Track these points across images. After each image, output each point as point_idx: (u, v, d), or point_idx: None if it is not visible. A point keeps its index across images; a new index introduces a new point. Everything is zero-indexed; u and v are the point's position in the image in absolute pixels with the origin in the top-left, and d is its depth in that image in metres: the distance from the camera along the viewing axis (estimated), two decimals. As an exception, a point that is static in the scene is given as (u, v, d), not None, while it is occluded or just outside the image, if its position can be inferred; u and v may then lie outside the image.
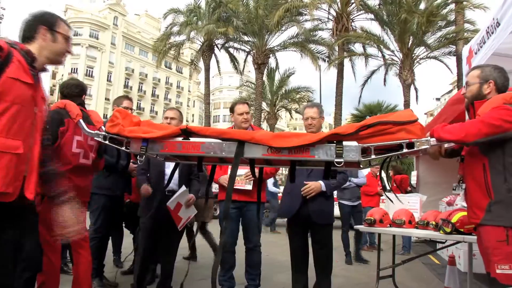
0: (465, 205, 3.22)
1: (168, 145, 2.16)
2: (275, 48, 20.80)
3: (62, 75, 45.16)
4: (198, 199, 3.53)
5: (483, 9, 14.54)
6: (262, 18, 18.88)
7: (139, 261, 3.25)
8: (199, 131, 2.16)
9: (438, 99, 60.99)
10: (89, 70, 47.00)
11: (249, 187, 3.43)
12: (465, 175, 2.24)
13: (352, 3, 18.12)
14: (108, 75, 48.76)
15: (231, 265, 3.53)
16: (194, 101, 60.87)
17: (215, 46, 21.98)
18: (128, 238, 4.51)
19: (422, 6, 16.43)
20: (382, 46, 17.34)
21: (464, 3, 15.14)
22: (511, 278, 1.90)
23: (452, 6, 15.91)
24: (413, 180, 7.90)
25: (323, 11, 19.08)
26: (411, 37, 16.29)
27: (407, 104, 16.76)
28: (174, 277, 3.32)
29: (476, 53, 4.13)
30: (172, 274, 3.30)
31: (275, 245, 6.71)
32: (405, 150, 1.93)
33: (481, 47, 3.95)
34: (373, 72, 18.83)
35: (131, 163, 3.53)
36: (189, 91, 60.49)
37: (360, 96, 19.89)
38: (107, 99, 44.84)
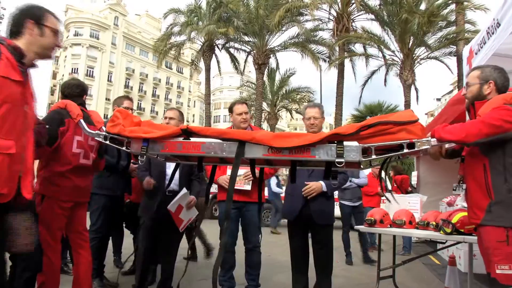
0: (466, 205, 3.22)
1: (168, 145, 2.16)
2: (276, 48, 20.82)
3: (63, 75, 45.24)
4: (199, 199, 3.53)
5: (484, 10, 14.54)
6: (263, 18, 18.89)
7: (140, 262, 3.25)
8: (200, 131, 2.16)
9: (438, 99, 60.99)
10: (90, 70, 47.04)
11: (248, 187, 3.43)
12: (465, 176, 2.24)
13: (353, 4, 18.11)
14: (108, 75, 48.80)
15: (231, 265, 3.53)
16: (194, 101, 60.89)
17: (216, 47, 21.99)
18: (128, 238, 4.51)
19: (422, 6, 16.44)
20: (382, 47, 17.33)
21: (465, 3, 15.14)
22: (511, 278, 1.90)
23: (453, 6, 15.91)
24: (414, 181, 7.90)
25: (324, 11, 19.12)
26: (411, 37, 16.29)
27: (407, 105, 16.75)
28: (174, 277, 3.31)
29: (476, 54, 4.14)
30: (172, 275, 3.30)
31: (276, 245, 6.71)
32: (405, 150, 1.93)
33: (481, 47, 3.95)
34: (373, 73, 18.84)
35: (131, 164, 3.53)
36: (189, 91, 60.51)
37: (361, 96, 19.99)
38: (107, 99, 44.86)
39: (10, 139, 1.66)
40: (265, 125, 26.00)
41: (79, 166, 2.71)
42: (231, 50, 22.50)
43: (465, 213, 2.93)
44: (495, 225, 1.96)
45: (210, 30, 19.47)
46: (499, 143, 1.97)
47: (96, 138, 2.43)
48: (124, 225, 4.48)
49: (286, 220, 3.39)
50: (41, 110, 40.38)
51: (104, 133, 2.32)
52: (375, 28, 49.93)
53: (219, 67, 23.76)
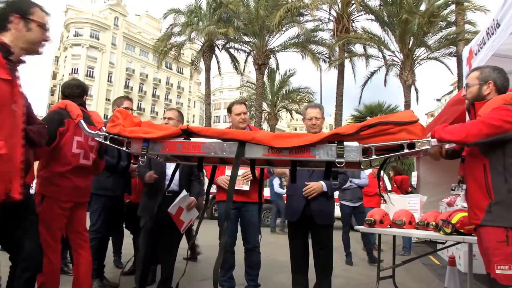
0: (465, 205, 3.22)
1: (168, 145, 2.16)
2: (276, 48, 20.82)
3: (63, 76, 45.27)
4: (199, 199, 3.53)
5: (484, 11, 14.54)
6: (263, 19, 18.90)
7: (140, 262, 3.25)
8: (200, 132, 2.17)
9: (438, 99, 60.99)
10: (90, 71, 47.03)
11: (246, 187, 3.43)
12: (465, 176, 2.24)
13: (353, 4, 18.11)
14: (108, 76, 48.80)
15: (230, 265, 3.53)
16: (194, 101, 60.89)
17: (216, 47, 21.99)
18: (128, 239, 4.51)
19: (423, 7, 16.44)
20: (382, 47, 17.33)
21: (465, 4, 15.15)
22: (511, 278, 1.90)
23: (453, 7, 15.92)
24: (414, 181, 7.90)
25: (324, 11, 19.12)
26: (411, 38, 16.29)
27: (407, 105, 16.76)
28: (174, 277, 3.32)
29: (476, 54, 4.14)
30: (172, 275, 3.30)
31: (276, 246, 6.70)
32: (406, 151, 1.93)
33: (481, 48, 3.95)
34: (373, 73, 18.84)
35: (131, 164, 3.53)
36: (189, 91, 60.52)
37: (361, 96, 19.92)
38: (107, 99, 44.85)
39: (0, 139, 1.63)
40: (265, 126, 26.00)
41: (79, 166, 2.71)
42: (231, 50, 22.52)
43: (465, 214, 2.94)
44: (495, 225, 1.97)
45: (210, 30, 19.48)
46: (499, 143, 1.97)
47: (96, 139, 2.43)
48: (124, 225, 4.48)
49: (285, 220, 3.40)
50: (41, 111, 40.48)
51: (104, 133, 2.32)
52: (375, 28, 50.03)
53: (219, 67, 23.77)
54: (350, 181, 5.90)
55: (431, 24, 15.59)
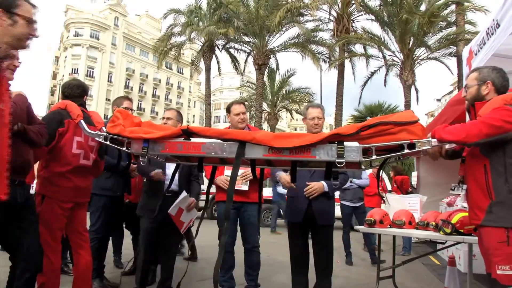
0: (465, 205, 3.22)
1: (169, 145, 2.16)
2: (276, 49, 20.83)
3: (63, 76, 45.29)
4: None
5: (484, 11, 14.54)
6: (263, 19, 18.90)
7: (140, 262, 3.25)
8: (200, 132, 2.17)
9: (438, 99, 60.96)
10: (90, 71, 47.03)
11: (245, 187, 3.43)
12: (466, 176, 2.25)
13: (353, 4, 18.12)
14: (108, 76, 48.79)
15: (230, 265, 3.53)
16: (195, 101, 60.89)
17: (216, 47, 21.99)
18: (128, 239, 4.51)
19: (423, 7, 16.45)
20: (382, 47, 17.34)
21: (466, 4, 15.15)
22: (511, 279, 1.90)
23: (453, 7, 15.92)
24: (414, 181, 7.89)
25: (324, 11, 19.13)
26: (411, 38, 16.29)
27: (407, 105, 16.76)
28: (174, 277, 3.32)
29: (476, 54, 4.14)
30: (172, 275, 3.30)
31: (276, 246, 6.70)
32: (406, 151, 1.94)
33: (481, 48, 3.95)
34: (373, 73, 18.83)
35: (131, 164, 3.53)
36: (189, 91, 60.51)
37: (360, 96, 19.90)
38: (107, 99, 44.84)
39: None
40: (265, 126, 26.00)
41: (79, 166, 2.71)
42: (231, 50, 22.51)
43: (465, 214, 2.94)
44: (496, 225, 1.97)
45: (210, 30, 19.48)
46: (499, 143, 1.98)
47: (96, 139, 2.43)
48: (124, 225, 4.49)
49: (284, 220, 3.40)
50: (41, 111, 40.47)
51: (104, 133, 2.32)
52: (375, 28, 50.00)
53: (219, 67, 23.76)
54: (351, 181, 5.89)
55: (431, 24, 15.60)
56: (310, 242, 3.18)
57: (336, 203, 3.41)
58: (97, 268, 3.53)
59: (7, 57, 1.78)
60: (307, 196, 3.02)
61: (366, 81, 19.00)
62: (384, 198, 3.25)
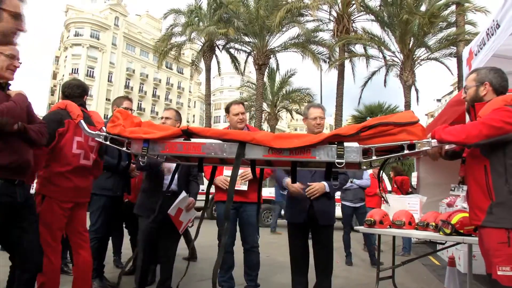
0: (465, 206, 3.22)
1: (169, 145, 2.16)
2: (276, 49, 20.83)
3: (63, 76, 45.29)
4: None
5: (484, 12, 14.55)
6: (263, 19, 18.90)
7: (140, 263, 3.25)
8: (200, 132, 2.17)
9: (439, 100, 60.95)
10: (90, 71, 47.03)
11: (244, 187, 3.43)
12: (466, 177, 2.25)
13: (353, 4, 18.12)
14: (109, 76, 48.80)
15: (230, 266, 3.53)
16: (195, 101, 60.89)
17: (216, 47, 21.99)
18: (128, 239, 4.51)
19: (423, 7, 16.45)
20: (383, 47, 17.34)
21: (466, 5, 15.15)
22: (512, 279, 1.91)
23: (453, 7, 15.92)
24: (414, 181, 7.89)
25: (324, 12, 19.13)
26: (412, 38, 16.29)
27: (408, 105, 16.76)
28: (174, 277, 3.32)
29: (476, 55, 4.14)
30: (171, 275, 3.30)
31: (276, 246, 6.71)
32: (406, 152, 1.94)
33: (481, 48, 3.95)
34: (374, 73, 18.83)
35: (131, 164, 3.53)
36: (190, 91, 60.52)
37: (360, 97, 19.90)
38: (108, 99, 44.84)
39: None
40: (265, 126, 26.01)
41: (79, 166, 2.71)
42: (232, 50, 22.51)
43: (465, 214, 2.94)
44: (496, 226, 1.97)
45: (210, 30, 19.48)
46: (499, 144, 1.98)
47: (96, 139, 2.43)
48: (124, 225, 4.49)
49: (284, 220, 3.39)
50: (41, 110, 40.49)
51: (104, 133, 2.32)
52: (376, 28, 50.05)
53: (219, 67, 23.76)
54: (351, 182, 5.89)
55: (431, 25, 15.61)
56: (310, 242, 3.18)
57: (337, 203, 3.40)
58: (97, 268, 3.53)
59: None
60: (308, 196, 3.02)
61: (366, 82, 19.02)
62: (383, 199, 3.25)
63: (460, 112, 4.23)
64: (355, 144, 1.96)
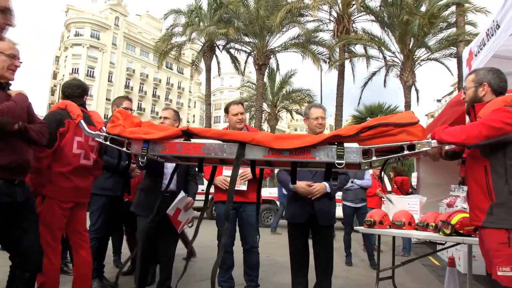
0: (465, 206, 3.22)
1: (169, 146, 2.17)
2: (276, 49, 20.84)
3: (63, 75, 45.30)
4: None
5: (485, 13, 14.55)
6: (263, 19, 18.91)
7: (139, 263, 3.25)
8: (200, 133, 2.17)
9: (439, 100, 60.97)
10: (90, 71, 47.04)
11: (244, 187, 3.42)
12: (466, 177, 2.25)
13: (353, 5, 18.13)
14: (109, 76, 48.81)
15: (229, 266, 3.53)
16: (195, 101, 60.89)
17: (216, 47, 22.00)
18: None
19: (423, 8, 16.46)
20: (383, 48, 17.35)
21: (466, 5, 15.15)
22: (512, 280, 1.91)
23: (453, 8, 15.92)
24: (414, 182, 7.90)
25: (324, 12, 19.14)
26: (412, 38, 16.30)
27: (408, 106, 16.77)
28: (173, 277, 3.32)
29: (476, 55, 4.14)
30: (171, 275, 3.30)
31: (275, 246, 6.71)
32: (406, 152, 1.94)
33: (481, 49, 3.95)
34: (374, 74, 18.84)
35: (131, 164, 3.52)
36: (190, 91, 60.52)
37: (360, 97, 19.91)
38: (108, 99, 44.84)
39: None
40: (265, 126, 26.01)
41: (79, 166, 2.71)
42: (232, 50, 22.51)
43: (464, 215, 2.94)
44: (497, 227, 1.97)
45: (210, 31, 19.49)
46: (499, 145, 1.98)
47: (96, 139, 2.43)
48: (124, 226, 4.48)
49: (284, 220, 3.38)
50: (41, 110, 40.49)
51: (104, 134, 2.33)
52: (376, 29, 50.05)
53: (219, 68, 23.76)
54: (352, 182, 5.87)
55: (431, 25, 15.61)
56: (310, 242, 3.18)
57: (338, 203, 3.39)
58: (97, 268, 3.53)
59: None
60: (309, 196, 3.02)
61: (367, 82, 19.03)
62: (384, 199, 3.25)
63: (460, 113, 4.23)
64: (355, 145, 1.96)
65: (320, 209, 3.03)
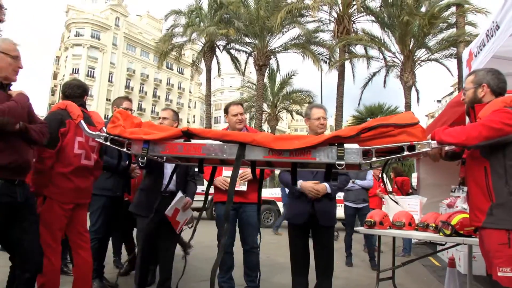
0: (465, 207, 3.22)
1: (169, 146, 2.17)
2: (276, 49, 20.85)
3: (64, 76, 45.34)
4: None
5: (485, 13, 14.56)
6: (263, 20, 18.93)
7: (139, 263, 3.25)
8: (200, 133, 2.17)
9: (439, 101, 60.96)
10: (91, 71, 47.07)
11: (243, 188, 3.42)
12: (466, 178, 2.25)
13: (354, 5, 18.14)
14: (109, 76, 48.84)
15: (229, 266, 3.53)
16: (195, 102, 60.90)
17: (217, 48, 22.02)
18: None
19: (423, 8, 16.46)
20: (383, 48, 17.36)
21: (466, 6, 15.16)
22: (512, 281, 1.91)
23: (454, 9, 15.93)
24: (414, 182, 7.90)
25: (324, 12, 19.16)
26: (412, 39, 16.32)
27: (408, 106, 16.78)
28: (173, 278, 3.32)
29: (476, 56, 4.14)
30: (171, 275, 3.30)
31: (276, 247, 6.71)
32: (406, 153, 1.94)
33: (481, 50, 3.95)
34: (374, 74, 18.87)
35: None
36: (190, 92, 60.53)
37: (361, 98, 19.96)
38: (108, 99, 44.87)
39: None
40: (265, 127, 26.02)
41: (80, 167, 2.71)
42: (232, 51, 22.54)
43: (465, 215, 2.94)
44: (497, 227, 1.97)
45: (211, 31, 19.51)
46: (499, 146, 1.98)
47: (96, 139, 2.43)
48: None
49: (285, 221, 3.38)
50: (41, 110, 40.49)
51: (104, 134, 2.33)
52: (376, 29, 50.07)
53: (219, 68, 23.79)
54: (353, 182, 5.86)
55: (431, 26, 15.63)
56: (310, 243, 3.18)
57: (340, 204, 3.38)
58: (97, 268, 3.53)
59: None
60: (310, 197, 3.02)
61: (367, 82, 19.06)
62: (384, 199, 3.25)
63: (460, 113, 4.23)
64: (355, 146, 1.96)
65: (321, 210, 3.03)
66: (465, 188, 2.62)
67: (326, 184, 3.02)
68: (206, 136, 2.16)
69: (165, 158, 2.52)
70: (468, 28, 15.66)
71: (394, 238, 4.18)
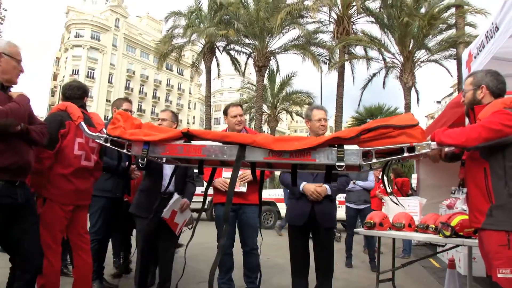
0: (465, 208, 3.22)
1: (169, 148, 2.17)
2: (276, 50, 20.87)
3: (64, 77, 45.34)
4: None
5: (484, 14, 14.58)
6: (263, 21, 18.95)
7: (139, 264, 3.25)
8: (201, 135, 2.17)
9: (439, 102, 60.97)
10: (91, 72, 47.09)
11: (243, 189, 3.42)
12: (466, 179, 2.25)
13: (353, 6, 18.17)
14: (109, 77, 48.84)
15: (229, 267, 3.53)
16: (195, 103, 60.91)
17: (217, 49, 22.04)
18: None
19: (423, 9, 16.49)
20: (383, 49, 17.37)
21: (465, 7, 15.19)
22: (512, 282, 1.91)
23: (453, 10, 15.96)
24: (414, 183, 7.89)
25: (324, 14, 19.19)
26: (411, 40, 16.34)
27: (408, 107, 16.79)
28: (173, 279, 3.31)
29: (475, 57, 4.15)
30: (171, 276, 3.30)
31: (276, 248, 6.70)
32: (406, 154, 1.94)
33: (480, 51, 3.96)
34: (374, 75, 18.88)
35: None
36: (190, 93, 60.54)
37: (360, 99, 20.00)
38: (108, 100, 44.87)
39: None
40: (265, 128, 26.03)
41: (80, 168, 2.71)
42: (232, 52, 22.57)
43: (464, 216, 2.94)
44: (496, 229, 1.97)
45: (210, 32, 19.53)
46: (499, 147, 1.98)
47: (96, 140, 2.43)
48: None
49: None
50: (41, 111, 40.49)
51: (104, 135, 2.33)
52: (375, 30, 50.10)
53: (218, 69, 23.79)
54: (354, 183, 5.85)
55: (431, 27, 15.65)
56: (310, 244, 3.18)
57: (341, 205, 3.39)
58: (97, 269, 3.53)
59: None
60: (310, 199, 3.02)
61: (367, 83, 19.07)
62: (384, 201, 3.25)
63: (459, 114, 4.24)
64: (355, 147, 1.96)
65: (321, 211, 3.03)
66: (465, 190, 2.62)
67: (326, 185, 3.02)
68: (206, 138, 2.16)
69: (164, 159, 2.52)
70: (467, 29, 15.72)
71: (394, 239, 4.17)
